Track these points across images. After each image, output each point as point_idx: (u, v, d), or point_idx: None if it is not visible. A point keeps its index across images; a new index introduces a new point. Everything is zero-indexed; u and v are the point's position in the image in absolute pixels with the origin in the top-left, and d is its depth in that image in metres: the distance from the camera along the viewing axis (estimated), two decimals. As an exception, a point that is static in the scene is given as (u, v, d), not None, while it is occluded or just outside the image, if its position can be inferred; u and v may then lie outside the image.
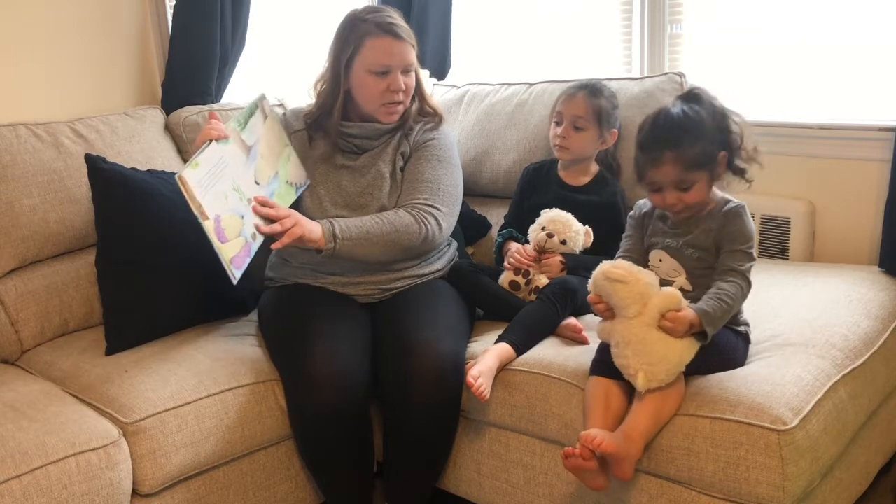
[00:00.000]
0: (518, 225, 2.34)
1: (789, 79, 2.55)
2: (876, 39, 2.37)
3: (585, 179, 2.33)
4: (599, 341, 1.78)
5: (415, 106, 2.23)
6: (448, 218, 2.16)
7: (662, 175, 1.73)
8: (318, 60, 2.24)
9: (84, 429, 1.77)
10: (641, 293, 1.66)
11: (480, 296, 2.21)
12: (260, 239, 1.94)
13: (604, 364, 1.75)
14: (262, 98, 2.12)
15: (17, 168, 2.23)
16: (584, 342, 1.98)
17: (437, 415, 1.96)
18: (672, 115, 1.75)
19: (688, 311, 1.65)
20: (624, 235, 1.91)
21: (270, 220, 1.94)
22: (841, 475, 1.80)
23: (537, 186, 2.37)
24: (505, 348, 1.96)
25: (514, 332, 2.00)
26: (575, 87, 2.32)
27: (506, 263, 2.22)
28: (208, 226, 1.81)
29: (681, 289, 1.75)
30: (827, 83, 2.48)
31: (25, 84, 2.53)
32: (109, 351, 2.10)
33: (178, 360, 2.01)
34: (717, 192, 1.80)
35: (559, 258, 2.15)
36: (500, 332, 2.02)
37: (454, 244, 2.36)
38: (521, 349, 1.98)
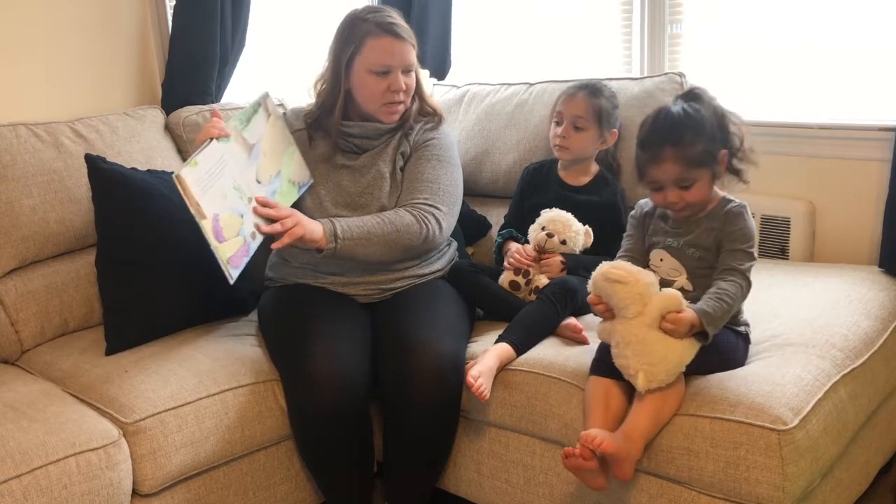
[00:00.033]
0: (518, 225, 2.34)
1: (789, 79, 2.55)
2: (876, 39, 2.37)
3: (585, 179, 2.33)
4: (599, 341, 1.78)
5: (415, 106, 2.23)
6: (448, 218, 2.16)
7: (663, 173, 1.73)
8: (318, 60, 2.24)
9: (84, 429, 1.77)
10: (641, 294, 1.66)
11: (480, 296, 2.21)
12: (259, 238, 1.94)
13: (604, 364, 1.75)
14: (266, 96, 2.12)
15: (17, 168, 2.23)
16: (584, 342, 1.98)
17: (437, 415, 1.96)
18: (673, 114, 1.75)
19: (688, 313, 1.65)
20: (625, 235, 1.91)
21: (271, 219, 1.94)
22: (841, 475, 1.80)
23: (537, 186, 2.37)
24: (505, 348, 1.96)
25: (514, 332, 2.00)
26: (575, 87, 2.32)
27: (506, 263, 2.22)
28: (206, 225, 1.81)
29: (681, 288, 1.75)
30: (827, 83, 2.48)
31: (25, 84, 2.53)
32: (109, 351, 2.10)
33: (178, 360, 2.01)
34: (719, 192, 1.80)
35: (559, 258, 2.15)
36: (500, 332, 2.02)
37: (454, 244, 2.36)
38: (521, 349, 1.98)
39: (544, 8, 3.12)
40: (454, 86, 2.93)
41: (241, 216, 1.91)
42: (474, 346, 2.06)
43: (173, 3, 2.71)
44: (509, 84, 2.73)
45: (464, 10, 3.22)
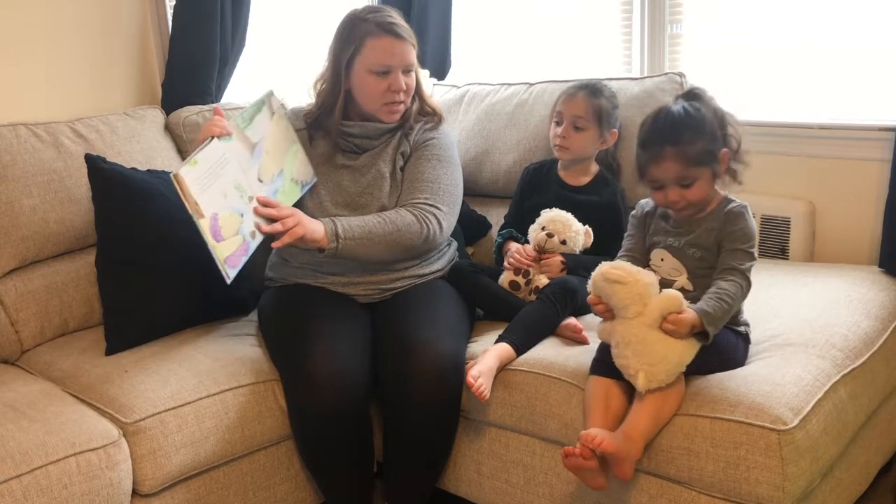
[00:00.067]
0: (518, 225, 2.34)
1: (789, 79, 2.55)
2: (876, 39, 2.37)
3: (585, 179, 2.33)
4: (599, 341, 1.78)
5: (415, 106, 2.24)
6: (448, 217, 2.16)
7: (664, 171, 1.73)
8: (318, 60, 2.24)
9: (84, 429, 1.77)
10: (641, 294, 1.66)
11: (480, 296, 2.21)
12: (259, 238, 1.94)
13: (604, 364, 1.75)
14: (270, 94, 2.11)
15: (17, 168, 2.23)
16: (584, 342, 1.98)
17: (437, 415, 1.96)
18: (673, 113, 1.75)
19: (689, 314, 1.64)
20: (626, 235, 1.91)
21: (272, 219, 1.94)
22: (841, 475, 1.80)
23: (537, 186, 2.37)
24: (505, 348, 1.96)
25: (514, 332, 2.00)
26: (575, 87, 2.32)
27: (506, 263, 2.22)
28: (203, 224, 1.80)
29: (682, 288, 1.75)
30: (827, 83, 2.48)
31: (25, 84, 2.53)
32: (109, 351, 2.10)
33: (178, 360, 2.01)
34: (720, 192, 1.80)
35: (559, 258, 2.15)
36: (500, 332, 2.02)
37: (454, 244, 2.36)
38: (521, 349, 1.98)
39: (544, 8, 3.12)
40: (454, 86, 2.93)
41: (241, 215, 1.90)
42: (474, 346, 2.06)
43: (173, 3, 2.71)
44: (509, 84, 2.74)
45: (464, 10, 3.22)
